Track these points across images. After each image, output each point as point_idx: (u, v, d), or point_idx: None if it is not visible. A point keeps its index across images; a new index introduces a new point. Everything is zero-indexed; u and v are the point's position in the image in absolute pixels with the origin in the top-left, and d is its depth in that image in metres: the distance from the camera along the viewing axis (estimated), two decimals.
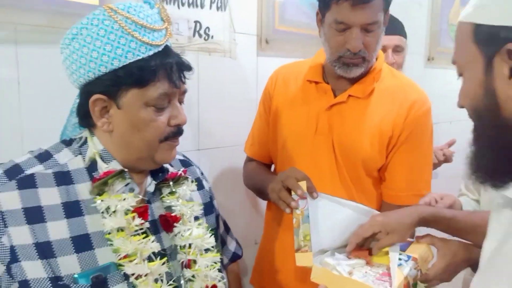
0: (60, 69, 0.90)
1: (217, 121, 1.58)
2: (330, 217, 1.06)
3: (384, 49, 1.88)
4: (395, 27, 1.92)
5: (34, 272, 0.77)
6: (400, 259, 0.98)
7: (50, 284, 0.78)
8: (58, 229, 0.81)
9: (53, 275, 0.78)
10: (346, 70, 1.18)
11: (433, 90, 2.65)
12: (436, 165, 1.83)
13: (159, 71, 0.83)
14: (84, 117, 0.89)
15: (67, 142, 0.91)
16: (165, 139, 0.89)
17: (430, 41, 2.68)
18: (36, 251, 0.78)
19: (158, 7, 0.88)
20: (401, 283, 0.91)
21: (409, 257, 0.99)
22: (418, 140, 1.22)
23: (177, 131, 0.90)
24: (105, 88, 0.83)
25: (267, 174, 1.40)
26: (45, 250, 0.79)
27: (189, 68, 0.89)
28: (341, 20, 1.13)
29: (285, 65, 1.43)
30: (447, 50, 2.84)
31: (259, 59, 1.70)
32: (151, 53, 0.83)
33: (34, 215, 0.80)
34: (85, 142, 0.90)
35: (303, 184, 1.06)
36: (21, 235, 0.78)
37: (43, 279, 0.77)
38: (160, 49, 0.85)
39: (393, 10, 2.21)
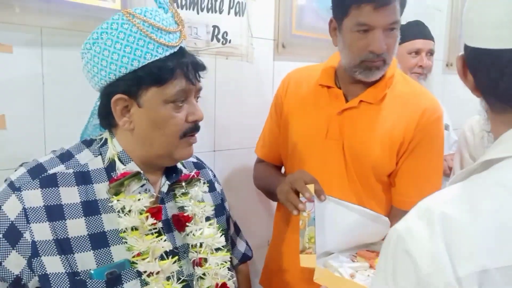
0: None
1: (233, 123, 1.61)
2: (336, 220, 1.07)
3: (419, 52, 1.89)
4: (429, 32, 1.95)
5: (53, 267, 0.81)
6: None
7: (68, 279, 0.81)
8: (76, 227, 0.85)
9: (70, 271, 0.82)
10: (368, 74, 1.18)
11: (452, 96, 2.63)
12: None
13: (176, 70, 0.87)
14: (106, 118, 0.93)
15: (88, 143, 0.95)
16: (184, 135, 0.92)
17: (449, 47, 2.66)
18: (55, 247, 0.82)
19: (171, 11, 0.92)
20: None
21: None
22: (428, 147, 1.23)
23: (195, 127, 0.94)
24: (126, 88, 0.87)
25: (276, 175, 1.42)
26: (64, 246, 0.82)
27: (203, 67, 0.93)
28: (364, 22, 1.13)
29: (297, 69, 1.44)
30: None
31: (275, 63, 1.72)
32: (167, 53, 0.88)
33: (55, 212, 0.84)
34: (105, 143, 0.94)
35: (311, 187, 1.08)
36: (42, 231, 0.82)
37: (61, 273, 0.81)
38: (175, 50, 0.89)
39: (413, 16, 2.21)
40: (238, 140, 1.64)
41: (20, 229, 0.81)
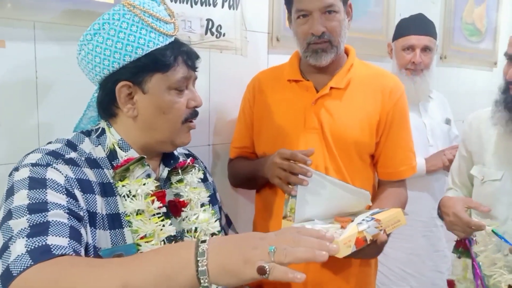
0: (76, 64, 0.95)
1: (227, 117, 1.61)
2: (318, 193, 1.15)
3: (413, 48, 1.87)
4: (426, 27, 1.90)
5: (87, 236, 0.81)
6: (363, 219, 1.07)
7: (93, 252, 0.82)
8: (100, 204, 0.86)
9: (94, 244, 0.83)
10: (316, 57, 1.27)
11: (446, 88, 2.64)
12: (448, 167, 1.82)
13: (178, 57, 0.92)
14: (106, 108, 0.94)
15: (86, 133, 0.96)
16: (185, 120, 0.96)
17: (443, 39, 2.66)
18: (88, 217, 0.83)
19: (163, 5, 0.96)
20: (352, 235, 0.99)
21: (372, 218, 1.08)
22: (402, 120, 1.36)
23: (194, 113, 0.99)
24: (130, 76, 0.90)
25: (256, 160, 1.43)
26: (91, 219, 0.83)
27: (197, 56, 0.98)
28: (301, 8, 1.25)
29: (262, 71, 1.51)
30: (461, 48, 2.80)
31: (270, 57, 1.72)
32: (167, 42, 0.92)
33: (85, 186, 0.85)
34: (102, 132, 0.95)
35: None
36: (80, 199, 0.82)
37: (90, 245, 0.82)
38: (173, 39, 0.93)
39: (407, 7, 2.20)
40: (233, 134, 1.64)
41: (71, 191, 0.81)
